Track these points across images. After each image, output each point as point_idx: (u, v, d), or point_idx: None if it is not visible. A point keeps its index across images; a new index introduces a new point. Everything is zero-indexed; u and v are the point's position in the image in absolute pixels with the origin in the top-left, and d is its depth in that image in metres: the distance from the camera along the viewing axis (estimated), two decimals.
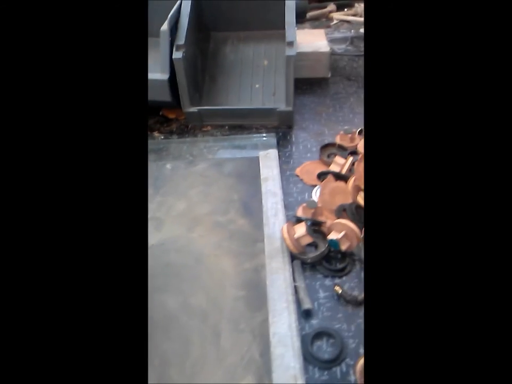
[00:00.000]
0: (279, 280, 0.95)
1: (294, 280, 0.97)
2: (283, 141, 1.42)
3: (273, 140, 1.41)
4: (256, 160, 1.31)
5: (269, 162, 1.29)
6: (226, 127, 1.49)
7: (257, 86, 1.59)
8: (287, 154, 1.36)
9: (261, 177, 1.24)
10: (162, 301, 0.94)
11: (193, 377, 0.81)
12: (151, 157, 1.37)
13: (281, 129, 1.47)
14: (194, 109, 1.45)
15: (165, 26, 1.34)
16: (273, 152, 1.33)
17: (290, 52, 1.33)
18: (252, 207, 1.16)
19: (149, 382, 0.80)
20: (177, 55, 1.35)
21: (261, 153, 1.33)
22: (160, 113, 1.57)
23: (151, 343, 0.86)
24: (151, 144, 1.43)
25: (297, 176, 1.27)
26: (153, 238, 1.08)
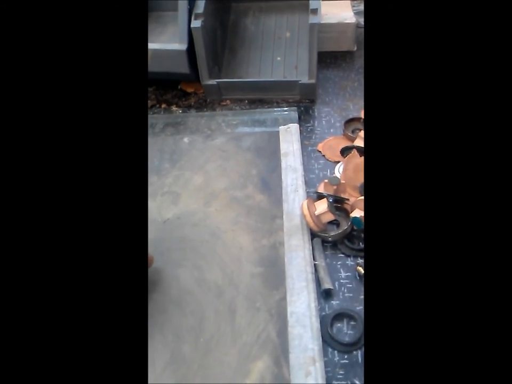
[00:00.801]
0: (298, 258, 0.91)
1: (314, 258, 0.93)
2: (305, 116, 1.35)
3: (294, 114, 1.35)
4: (276, 135, 1.25)
5: (289, 137, 1.23)
6: (246, 102, 1.44)
7: (278, 58, 1.52)
8: (309, 129, 1.30)
9: (281, 152, 1.19)
10: (177, 275, 0.91)
11: (206, 354, 0.78)
12: (168, 131, 1.33)
13: (303, 103, 1.40)
14: (213, 82, 1.40)
15: None
16: (294, 127, 1.27)
17: (314, 19, 1.25)
18: (270, 183, 1.11)
19: (161, 357, 0.78)
20: (196, 24, 1.29)
21: (281, 128, 1.28)
22: (179, 87, 1.53)
23: (165, 318, 0.84)
24: (168, 118, 1.39)
25: (319, 152, 1.21)
26: (169, 211, 1.05)
